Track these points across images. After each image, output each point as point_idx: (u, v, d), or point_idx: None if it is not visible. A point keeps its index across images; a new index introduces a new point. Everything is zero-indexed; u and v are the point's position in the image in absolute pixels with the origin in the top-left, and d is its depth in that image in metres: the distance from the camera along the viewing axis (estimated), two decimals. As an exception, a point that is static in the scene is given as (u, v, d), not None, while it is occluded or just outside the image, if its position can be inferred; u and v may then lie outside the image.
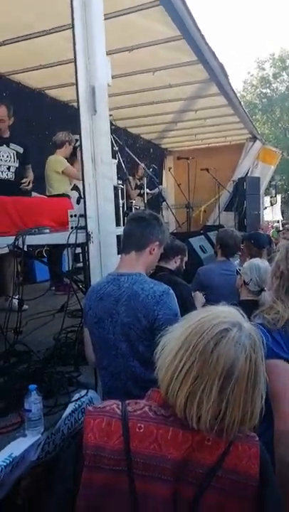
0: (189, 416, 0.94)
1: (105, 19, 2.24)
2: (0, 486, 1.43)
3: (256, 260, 2.41)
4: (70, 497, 0.99)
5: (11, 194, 3.50)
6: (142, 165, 5.73)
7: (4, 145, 3.67)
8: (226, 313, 1.00)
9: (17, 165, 3.79)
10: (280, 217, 15.65)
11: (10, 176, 3.74)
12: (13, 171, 3.76)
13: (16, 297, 3.60)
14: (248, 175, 8.85)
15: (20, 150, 3.78)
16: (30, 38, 3.91)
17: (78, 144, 4.56)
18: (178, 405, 0.95)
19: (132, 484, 0.95)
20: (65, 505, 1.00)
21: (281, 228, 11.49)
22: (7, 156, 3.70)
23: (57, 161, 4.38)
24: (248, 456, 0.96)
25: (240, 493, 0.94)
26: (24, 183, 3.78)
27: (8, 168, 3.73)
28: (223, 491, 0.94)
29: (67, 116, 5.53)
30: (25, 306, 3.57)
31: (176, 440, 0.96)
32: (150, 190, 6.34)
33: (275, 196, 13.14)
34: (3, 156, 3.67)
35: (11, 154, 3.73)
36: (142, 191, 5.97)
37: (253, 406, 0.95)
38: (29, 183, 3.84)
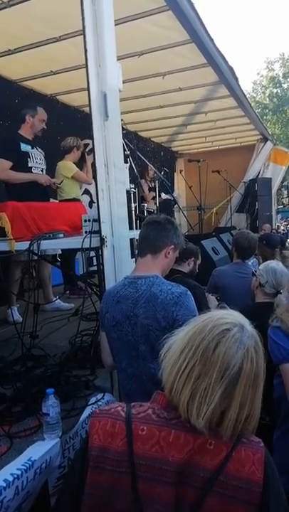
0: (191, 415, 0.94)
1: (115, 25, 2.24)
2: (26, 494, 1.40)
3: (272, 262, 2.39)
4: (77, 497, 1.00)
5: (46, 197, 3.67)
6: (153, 168, 5.70)
7: (35, 148, 3.63)
8: (229, 315, 1.02)
9: (45, 167, 3.77)
10: None
11: None
12: (44, 173, 3.74)
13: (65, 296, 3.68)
14: (260, 176, 8.77)
15: (43, 153, 3.75)
16: (40, 46, 3.93)
17: (87, 149, 4.61)
18: (181, 405, 0.96)
19: (135, 485, 0.96)
20: (72, 505, 1.01)
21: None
22: (40, 159, 3.66)
23: (66, 166, 4.39)
24: (252, 461, 0.95)
25: (244, 498, 0.93)
26: (55, 184, 3.79)
27: (42, 171, 3.70)
28: (225, 496, 0.93)
29: (79, 121, 5.58)
30: (72, 305, 3.68)
31: (177, 443, 0.97)
32: (166, 194, 6.34)
33: (288, 197, 13.01)
34: (37, 158, 3.62)
35: (42, 156, 3.71)
36: (155, 194, 5.96)
37: (253, 407, 0.95)
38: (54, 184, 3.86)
